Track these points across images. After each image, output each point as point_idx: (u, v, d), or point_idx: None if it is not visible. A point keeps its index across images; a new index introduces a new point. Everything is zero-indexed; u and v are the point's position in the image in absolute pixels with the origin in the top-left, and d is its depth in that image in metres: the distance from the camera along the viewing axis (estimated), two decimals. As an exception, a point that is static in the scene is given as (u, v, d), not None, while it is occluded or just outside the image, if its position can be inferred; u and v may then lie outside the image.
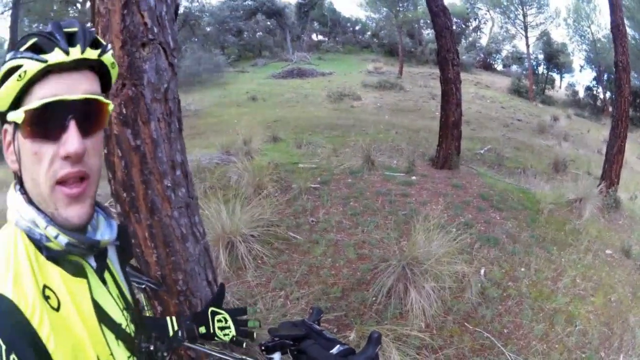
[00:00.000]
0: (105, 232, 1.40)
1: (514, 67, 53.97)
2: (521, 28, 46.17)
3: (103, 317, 1.33)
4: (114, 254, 1.59)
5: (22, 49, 1.18)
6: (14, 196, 1.28)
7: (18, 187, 1.30)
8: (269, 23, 52.87)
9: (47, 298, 1.14)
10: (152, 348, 1.64)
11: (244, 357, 2.51)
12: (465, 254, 6.70)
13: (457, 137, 11.43)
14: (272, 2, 50.89)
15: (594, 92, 46.63)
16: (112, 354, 1.31)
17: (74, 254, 1.30)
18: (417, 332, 5.12)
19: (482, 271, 6.63)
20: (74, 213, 1.27)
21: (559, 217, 9.16)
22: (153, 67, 3.10)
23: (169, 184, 3.29)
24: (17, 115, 1.18)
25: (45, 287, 1.16)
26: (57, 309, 1.16)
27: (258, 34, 52.89)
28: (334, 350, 2.05)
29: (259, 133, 13.53)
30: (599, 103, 44.61)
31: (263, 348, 2.30)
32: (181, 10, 50.70)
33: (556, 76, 53.74)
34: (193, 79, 34.98)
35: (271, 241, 7.26)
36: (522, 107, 31.08)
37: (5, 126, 1.25)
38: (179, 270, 3.46)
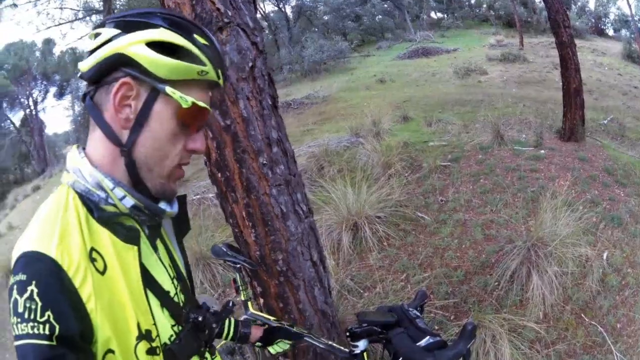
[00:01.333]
0: (167, 205, 1.44)
1: (623, 31, 49.92)
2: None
3: (150, 282, 1.34)
4: (170, 225, 1.61)
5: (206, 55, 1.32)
6: (76, 158, 1.30)
7: (82, 149, 1.33)
8: (385, 5, 51.67)
9: (93, 260, 1.16)
10: (200, 319, 1.54)
11: (330, 342, 2.52)
12: (589, 235, 6.38)
13: (581, 106, 10.82)
14: (385, -17, 49.99)
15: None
16: (154, 322, 1.31)
17: (131, 219, 1.34)
18: (534, 324, 4.90)
19: (605, 255, 6.16)
20: (175, 187, 1.43)
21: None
22: (234, 48, 3.08)
23: (265, 162, 3.24)
24: (186, 100, 1.29)
25: (92, 249, 1.18)
26: (103, 273, 1.18)
27: (378, 17, 51.88)
28: (422, 342, 1.96)
29: (389, 114, 13.19)
30: None
31: (348, 334, 2.28)
32: (293, 2, 50.81)
33: None
34: (319, 66, 35.12)
35: (398, 222, 7.23)
36: (637, 73, 29.01)
37: (129, 80, 1.25)
38: (279, 249, 3.41)
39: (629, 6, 43.01)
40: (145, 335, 1.25)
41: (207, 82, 1.37)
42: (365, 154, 9.85)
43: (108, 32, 1.26)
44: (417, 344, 1.96)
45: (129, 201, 1.29)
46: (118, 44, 1.24)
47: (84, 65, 1.29)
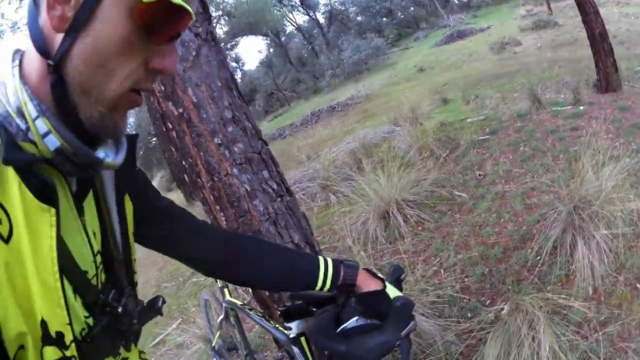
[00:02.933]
0: (110, 152, 1.02)
1: None
2: None
3: (66, 262, 0.92)
4: (110, 175, 1.14)
5: None
6: (7, 65, 0.90)
7: (19, 55, 0.93)
8: None
9: None
10: (120, 310, 1.07)
11: (277, 325, 2.27)
12: (639, 187, 5.53)
13: (609, 51, 10.07)
14: (409, -26, 50.41)
15: None
16: (70, 322, 0.89)
17: (52, 168, 0.92)
18: (581, 303, 3.99)
19: None
20: (124, 123, 1.00)
21: None
22: (177, 42, 2.79)
23: (220, 142, 3.18)
24: None
25: None
26: (7, 240, 0.80)
27: (410, 9, 52.10)
28: (348, 324, 1.49)
29: (428, 99, 13.12)
30: None
31: (280, 314, 1.93)
32: (323, 9, 51.70)
33: None
34: (360, 67, 35.83)
35: (433, 204, 6.88)
36: None
37: None
38: (251, 231, 3.26)
39: None
40: (54, 340, 0.84)
41: None
42: (402, 140, 9.61)
43: None
44: (342, 326, 1.48)
45: (54, 141, 0.88)
46: None
47: None
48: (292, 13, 54.02)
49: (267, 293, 3.38)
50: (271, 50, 55.60)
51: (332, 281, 1.55)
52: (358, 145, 10.47)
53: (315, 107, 25.65)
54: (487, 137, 8.90)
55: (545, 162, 7.03)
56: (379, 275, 1.59)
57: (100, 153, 0.98)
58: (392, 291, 1.54)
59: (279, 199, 3.39)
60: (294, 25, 55.79)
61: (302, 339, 1.97)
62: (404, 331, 1.43)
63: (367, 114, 17.58)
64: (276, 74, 49.68)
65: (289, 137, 21.18)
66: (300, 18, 53.84)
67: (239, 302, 3.05)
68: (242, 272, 1.58)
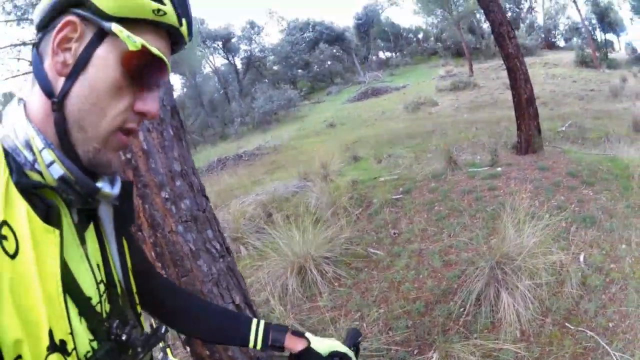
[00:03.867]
0: (106, 185, 1.17)
1: (575, 40, 53.38)
2: (567, -8, 45.83)
3: (69, 283, 1.03)
4: (109, 215, 1.26)
5: None
6: (14, 108, 1.08)
7: (23, 101, 1.09)
8: (333, 50, 53.30)
9: (2, 238, 0.87)
10: (124, 338, 1.18)
11: None
12: (561, 241, 6.00)
13: (535, 116, 10.68)
14: (330, 29, 52.22)
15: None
16: (71, 331, 0.98)
17: (56, 195, 1.04)
18: (511, 345, 4.37)
19: (582, 257, 5.71)
20: (117, 160, 1.15)
21: (652, 179, 8.18)
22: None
23: (167, 196, 3.08)
24: (134, 41, 1.05)
25: (4, 223, 0.89)
26: (13, 256, 0.88)
27: (327, 63, 53.43)
28: None
29: (338, 156, 13.20)
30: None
31: None
32: (243, 54, 52.28)
33: (613, 37, 53.36)
34: (269, 117, 36.90)
35: (349, 261, 6.92)
36: (592, 77, 30.93)
37: (75, 18, 1.05)
38: (193, 291, 3.15)
39: (579, 11, 45.56)
40: (59, 347, 0.94)
41: (166, 27, 1.14)
42: (314, 196, 9.64)
43: None
44: None
45: (58, 170, 1.03)
46: None
47: (35, 12, 1.11)
48: (212, 55, 54.45)
49: (207, 352, 3.32)
50: (184, 90, 55.41)
51: (262, 342, 1.74)
52: (269, 197, 10.73)
53: (222, 154, 25.82)
54: (400, 196, 9.07)
55: (462, 221, 7.28)
56: (305, 333, 1.82)
57: (98, 183, 1.13)
58: (319, 345, 1.77)
59: (221, 260, 3.40)
60: (211, 68, 56.46)
61: None
62: None
63: (275, 166, 17.95)
64: (186, 115, 49.56)
65: (194, 184, 21.16)
66: (219, 61, 53.82)
67: None
68: (188, 323, 1.77)
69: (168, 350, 2.82)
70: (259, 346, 1.74)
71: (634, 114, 15.34)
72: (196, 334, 1.92)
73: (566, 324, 4.74)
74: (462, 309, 5.18)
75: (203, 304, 1.93)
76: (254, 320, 1.77)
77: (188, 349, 3.38)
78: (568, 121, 14.50)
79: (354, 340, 1.89)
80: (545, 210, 6.31)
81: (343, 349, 1.78)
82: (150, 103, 1.14)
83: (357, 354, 1.89)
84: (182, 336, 3.29)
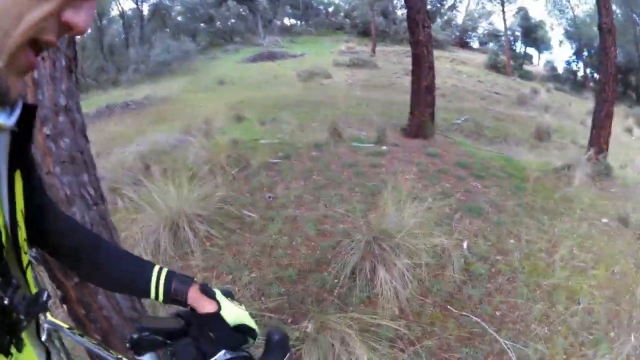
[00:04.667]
0: (1, 114, 0.88)
1: (491, 45, 55.13)
2: (498, 3, 48.16)
3: None
4: (4, 146, 0.99)
5: None
6: None
7: None
8: (241, 9, 53.23)
9: None
10: (6, 302, 0.93)
11: (120, 356, 1.82)
12: (444, 226, 6.13)
13: (431, 104, 11.04)
14: (243, -13, 51.65)
15: (574, 67, 48.59)
16: None
17: None
18: (389, 321, 4.28)
19: (465, 244, 5.88)
20: (20, 84, 0.86)
21: (547, 184, 8.71)
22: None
23: (49, 132, 2.74)
24: None
25: None
26: None
27: (231, 20, 53.40)
28: (218, 357, 1.43)
29: (223, 114, 13.48)
30: (579, 78, 46.50)
31: (129, 345, 1.59)
32: (151, 1, 52.00)
33: (534, 52, 56.29)
34: (163, 68, 36.33)
35: (222, 221, 6.74)
36: (500, 81, 32.37)
37: None
38: None
39: (504, 20, 47.51)
40: None
41: None
42: (193, 152, 9.60)
43: None
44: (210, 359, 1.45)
45: None
46: None
47: None
48: (121, -1, 53.39)
49: (83, 311, 3.08)
50: (88, 31, 54.31)
51: (164, 293, 1.50)
52: (149, 149, 10.56)
53: (112, 101, 25.15)
54: (279, 160, 9.15)
55: (340, 192, 7.35)
56: (216, 294, 1.53)
57: None
58: (228, 313, 1.50)
59: (94, 207, 3.14)
60: (119, 11, 54.75)
61: None
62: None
63: (161, 117, 17.64)
64: (85, 56, 48.57)
65: (80, 129, 20.65)
66: (128, 5, 53.14)
67: (65, 325, 2.70)
68: (89, 267, 1.56)
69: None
70: (160, 298, 1.49)
71: (540, 122, 16.05)
72: (97, 280, 1.70)
73: (448, 306, 4.83)
74: (336, 280, 5.19)
75: (108, 246, 1.64)
76: (156, 268, 1.53)
77: (65, 307, 3.12)
78: (465, 115, 15.00)
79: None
80: (429, 194, 6.55)
81: (252, 323, 1.52)
82: (84, 15, 0.86)
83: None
84: (59, 293, 3.00)
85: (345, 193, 7.28)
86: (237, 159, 9.06)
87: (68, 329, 2.45)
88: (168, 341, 1.56)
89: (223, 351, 1.43)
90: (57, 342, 2.81)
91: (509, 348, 4.36)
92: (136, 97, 24.56)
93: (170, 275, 1.50)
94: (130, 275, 1.54)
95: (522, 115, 19.59)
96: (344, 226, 6.29)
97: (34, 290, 1.13)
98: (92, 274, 1.59)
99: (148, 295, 1.49)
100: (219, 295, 1.51)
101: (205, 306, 1.47)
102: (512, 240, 6.18)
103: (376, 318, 4.32)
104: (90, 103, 25.55)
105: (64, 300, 3.04)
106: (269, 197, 7.48)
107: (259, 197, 7.55)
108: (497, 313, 4.88)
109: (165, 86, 27.42)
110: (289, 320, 4.73)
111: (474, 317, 4.70)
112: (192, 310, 1.52)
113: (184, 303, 1.49)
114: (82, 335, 2.21)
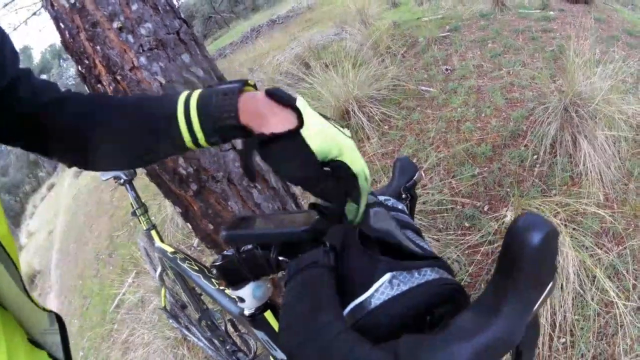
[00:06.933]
0: None
1: None
2: None
3: None
4: None
5: None
6: None
7: None
8: None
9: None
10: None
11: (222, 288, 1.80)
12: (630, 95, 5.34)
13: None
14: None
15: None
16: None
17: None
18: (596, 208, 3.64)
19: None
20: None
21: None
22: None
23: (120, 25, 2.38)
24: None
25: None
26: None
27: None
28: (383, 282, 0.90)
29: (375, 2, 12.27)
30: None
31: (214, 276, 1.57)
32: None
33: None
34: None
35: (398, 100, 6.51)
36: None
37: None
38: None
39: None
40: None
41: None
42: (353, 40, 9.24)
43: None
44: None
45: None
46: None
47: None
48: None
49: (211, 227, 2.62)
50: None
51: (200, 122, 0.99)
52: (304, 48, 10.20)
53: (255, 24, 24.72)
54: (448, 34, 8.56)
55: (520, 59, 6.88)
56: (296, 100, 0.96)
57: None
58: (313, 134, 0.94)
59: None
60: None
61: (266, 314, 1.30)
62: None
63: (311, 22, 17.04)
64: None
65: (230, 55, 20.20)
66: None
67: (169, 250, 2.53)
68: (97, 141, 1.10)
69: (153, 233, 2.71)
70: (199, 134, 0.99)
71: None
72: (110, 156, 1.15)
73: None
74: (535, 156, 4.68)
75: (118, 102, 1.18)
76: (184, 93, 1.03)
77: (189, 225, 2.76)
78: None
79: (407, 176, 1.29)
80: (608, 59, 5.66)
81: (357, 163, 0.97)
82: None
83: (412, 202, 1.26)
84: (177, 209, 2.68)
85: (526, 59, 6.84)
86: (402, 39, 8.76)
87: (171, 253, 2.53)
88: (280, 260, 1.07)
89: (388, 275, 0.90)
90: (170, 271, 2.96)
91: None
92: (280, 13, 23.99)
93: (206, 93, 1.01)
94: (147, 118, 1.07)
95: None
96: (532, 93, 5.81)
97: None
98: (105, 150, 1.10)
99: (180, 138, 1.01)
100: (300, 101, 0.96)
101: (271, 122, 0.93)
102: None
103: (581, 203, 3.67)
104: (234, 33, 25.49)
105: (186, 216, 2.70)
106: (446, 70, 7.16)
107: (435, 71, 7.15)
108: None
109: (310, -4, 26.82)
110: (485, 209, 4.29)
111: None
112: (248, 134, 0.97)
113: (235, 127, 0.96)
114: (184, 260, 2.29)
